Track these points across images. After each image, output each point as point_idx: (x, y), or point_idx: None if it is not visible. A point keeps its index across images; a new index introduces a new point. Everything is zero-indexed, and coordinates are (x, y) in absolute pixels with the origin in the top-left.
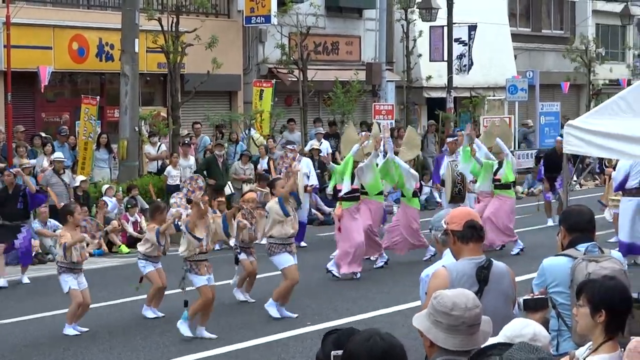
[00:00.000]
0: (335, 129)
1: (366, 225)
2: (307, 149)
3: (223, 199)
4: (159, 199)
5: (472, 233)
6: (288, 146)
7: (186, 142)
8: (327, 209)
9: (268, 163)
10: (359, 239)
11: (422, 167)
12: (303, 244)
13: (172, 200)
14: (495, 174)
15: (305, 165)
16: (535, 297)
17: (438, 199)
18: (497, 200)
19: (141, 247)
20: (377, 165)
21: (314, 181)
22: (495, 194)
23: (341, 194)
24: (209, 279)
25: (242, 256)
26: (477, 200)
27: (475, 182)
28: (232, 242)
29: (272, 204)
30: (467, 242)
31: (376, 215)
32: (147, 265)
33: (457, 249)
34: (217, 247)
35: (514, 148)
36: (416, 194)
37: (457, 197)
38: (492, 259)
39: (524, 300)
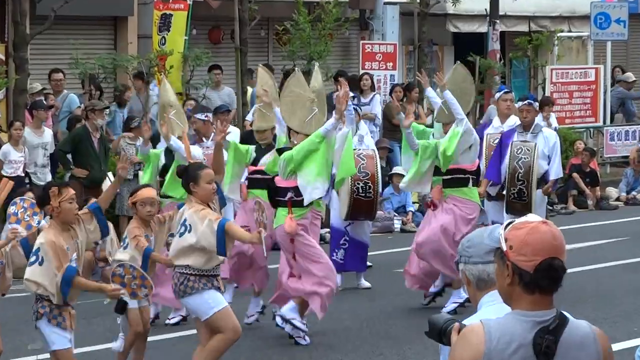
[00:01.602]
0: None
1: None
2: (248, 118)
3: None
4: None
5: (548, 282)
6: (198, 115)
7: (38, 103)
8: None
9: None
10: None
11: None
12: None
13: (10, 209)
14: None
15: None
16: None
17: None
18: (449, 206)
19: None
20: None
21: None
22: (446, 195)
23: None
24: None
25: (131, 304)
26: (431, 205)
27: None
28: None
29: (202, 222)
30: (533, 292)
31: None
32: None
33: (513, 294)
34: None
35: (601, 121)
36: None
37: (517, 204)
38: (566, 314)
39: None
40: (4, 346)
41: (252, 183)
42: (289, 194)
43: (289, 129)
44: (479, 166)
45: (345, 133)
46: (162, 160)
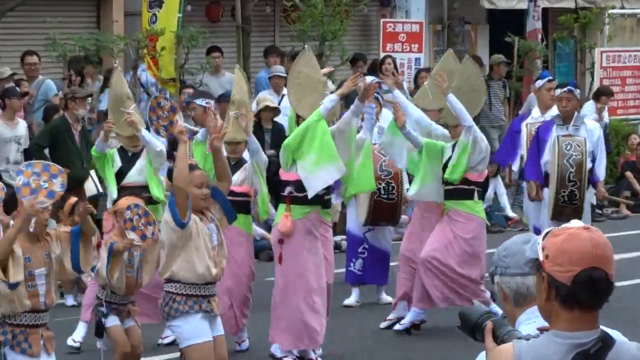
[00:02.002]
0: None
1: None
2: (253, 107)
3: (83, 203)
4: None
5: (587, 296)
6: (198, 101)
7: (11, 91)
8: (260, 231)
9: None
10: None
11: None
12: None
13: (127, 214)
14: (445, 167)
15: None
16: None
17: (510, 212)
18: (450, 220)
19: None
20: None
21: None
22: (447, 208)
23: (310, 194)
24: None
25: (111, 320)
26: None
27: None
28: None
29: (167, 215)
30: (572, 307)
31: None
32: None
33: (551, 312)
34: (70, 300)
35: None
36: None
37: (567, 208)
38: (612, 334)
39: None
40: None
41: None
42: (288, 189)
43: (298, 117)
44: (487, 178)
45: (363, 141)
46: (118, 163)
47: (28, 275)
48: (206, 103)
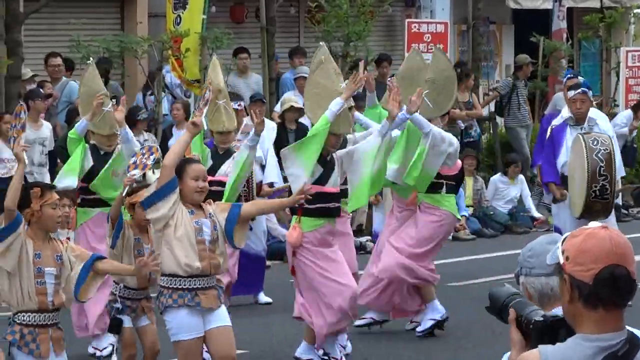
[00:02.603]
0: None
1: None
2: (277, 109)
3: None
4: None
5: (610, 294)
6: (234, 104)
7: (35, 92)
8: (284, 232)
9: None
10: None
11: (504, 146)
12: (265, 298)
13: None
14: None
15: (267, 139)
16: None
17: (535, 213)
18: (420, 214)
19: None
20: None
21: (273, 176)
22: (419, 200)
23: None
24: None
25: (126, 320)
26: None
27: None
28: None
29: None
30: (596, 307)
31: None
32: None
33: (575, 314)
34: None
35: None
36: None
37: (598, 203)
38: (639, 335)
39: None
40: None
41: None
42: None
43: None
44: (462, 170)
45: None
46: (90, 161)
47: (37, 272)
48: (238, 105)
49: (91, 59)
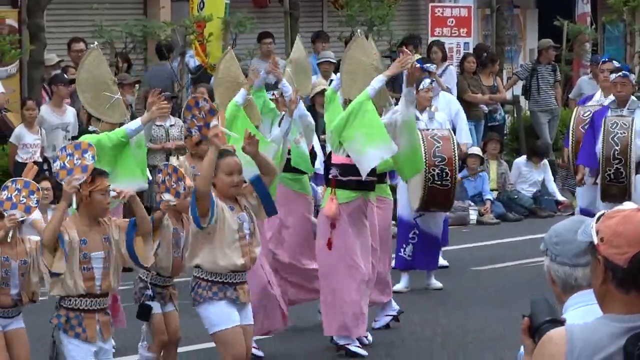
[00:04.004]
0: None
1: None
2: (317, 90)
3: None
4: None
5: None
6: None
7: (58, 78)
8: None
9: None
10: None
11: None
12: None
13: (158, 177)
14: None
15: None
16: None
17: (559, 196)
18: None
19: None
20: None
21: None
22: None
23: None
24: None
25: (156, 306)
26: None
27: None
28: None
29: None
30: (629, 290)
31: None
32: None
33: (606, 295)
34: None
35: None
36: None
37: (613, 187)
38: None
39: None
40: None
41: None
42: (333, 171)
43: (349, 102)
44: None
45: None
46: None
47: (83, 258)
48: (272, 95)
49: (95, 42)
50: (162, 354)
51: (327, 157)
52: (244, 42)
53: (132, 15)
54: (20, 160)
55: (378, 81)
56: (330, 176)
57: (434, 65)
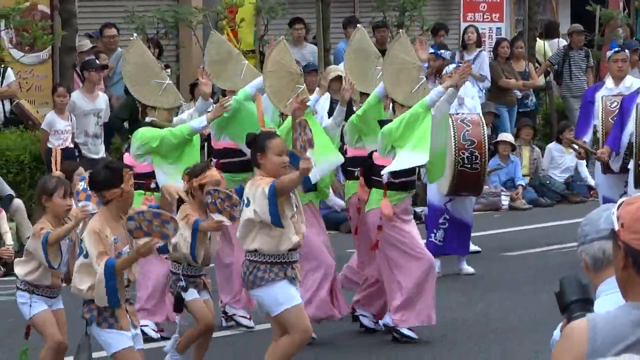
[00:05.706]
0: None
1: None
2: (331, 76)
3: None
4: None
5: None
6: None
7: (90, 63)
8: (340, 203)
9: None
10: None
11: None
12: None
13: (207, 199)
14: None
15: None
16: None
17: (591, 182)
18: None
19: (20, 269)
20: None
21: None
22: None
23: (385, 170)
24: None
25: (190, 294)
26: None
27: None
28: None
29: (256, 190)
30: None
31: None
32: (35, 304)
33: (627, 281)
34: None
35: None
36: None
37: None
38: None
39: None
40: (70, 342)
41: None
42: (385, 177)
43: (393, 102)
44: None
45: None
46: None
47: (117, 256)
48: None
49: (135, 34)
50: (197, 342)
51: (369, 156)
52: (276, 28)
53: (164, 1)
54: (51, 147)
55: (437, 93)
56: (379, 178)
57: (449, 52)
